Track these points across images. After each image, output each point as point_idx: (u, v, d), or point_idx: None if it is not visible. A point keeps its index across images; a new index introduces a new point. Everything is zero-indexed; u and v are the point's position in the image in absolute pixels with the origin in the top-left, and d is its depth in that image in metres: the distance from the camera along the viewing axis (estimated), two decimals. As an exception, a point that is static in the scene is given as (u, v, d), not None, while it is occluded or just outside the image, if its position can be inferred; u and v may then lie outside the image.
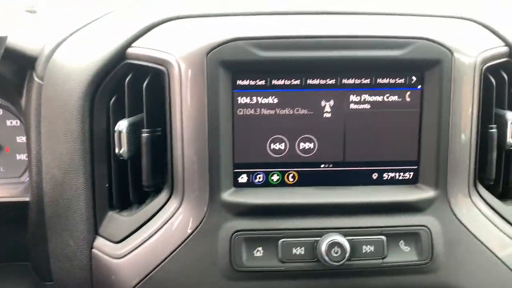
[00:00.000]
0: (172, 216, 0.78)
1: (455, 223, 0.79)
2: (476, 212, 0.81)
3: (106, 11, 0.88)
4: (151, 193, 0.84)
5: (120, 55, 0.78)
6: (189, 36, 0.77)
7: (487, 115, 0.82)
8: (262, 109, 0.78)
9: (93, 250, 0.81)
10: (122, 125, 0.78)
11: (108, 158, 0.82)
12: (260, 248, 0.77)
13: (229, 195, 0.77)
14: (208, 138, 0.74)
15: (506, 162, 0.85)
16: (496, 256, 0.81)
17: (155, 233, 0.78)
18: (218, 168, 0.76)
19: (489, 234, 0.81)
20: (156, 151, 0.79)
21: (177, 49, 0.76)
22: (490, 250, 0.80)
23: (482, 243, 0.80)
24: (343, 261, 0.75)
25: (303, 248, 0.76)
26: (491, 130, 0.79)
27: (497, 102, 0.82)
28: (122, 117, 0.80)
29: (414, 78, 0.78)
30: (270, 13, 0.79)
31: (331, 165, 0.81)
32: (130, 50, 0.78)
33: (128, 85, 0.79)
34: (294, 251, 0.76)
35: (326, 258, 0.75)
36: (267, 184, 0.81)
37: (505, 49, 0.82)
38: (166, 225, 0.78)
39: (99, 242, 0.81)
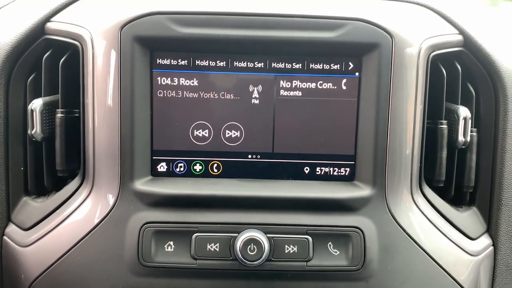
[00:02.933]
0: (81, 204, 0.72)
1: (392, 226, 0.72)
2: (418, 216, 0.73)
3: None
4: (69, 180, 0.78)
5: (39, 30, 0.74)
6: (104, 10, 0.72)
7: (437, 109, 0.75)
8: (185, 92, 0.72)
9: (4, 237, 0.76)
10: (36, 104, 0.73)
11: (25, 140, 0.76)
12: (171, 243, 0.70)
13: (142, 184, 0.72)
14: (121, 121, 0.69)
15: (460, 163, 0.77)
16: (440, 266, 0.72)
17: (63, 221, 0.73)
18: (131, 155, 0.70)
19: (432, 241, 0.73)
20: (73, 134, 0.74)
21: (92, 23, 0.71)
22: (433, 259, 0.72)
23: (423, 250, 0.72)
24: (260, 261, 0.68)
25: (218, 244, 0.70)
26: (440, 126, 0.74)
27: (449, 96, 0.76)
28: (41, 96, 0.75)
29: (351, 64, 0.72)
30: None
31: (258, 156, 0.75)
32: (49, 25, 0.74)
33: (46, 62, 0.74)
34: (208, 247, 0.70)
35: (241, 257, 0.68)
36: (189, 174, 0.75)
37: (458, 37, 0.74)
38: (74, 213, 0.72)
39: (11, 229, 0.76)
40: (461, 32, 0.74)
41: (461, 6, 0.78)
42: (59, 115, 0.73)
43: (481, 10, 0.82)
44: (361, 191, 0.72)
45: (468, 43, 0.74)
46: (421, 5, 0.75)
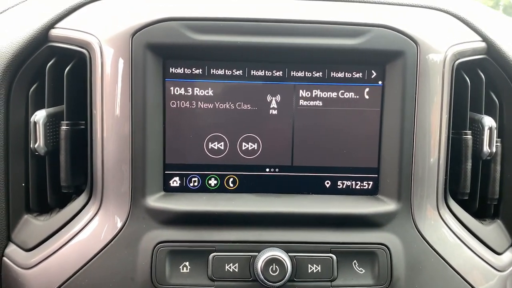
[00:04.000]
0: (88, 222, 0.68)
1: (419, 242, 0.68)
2: (445, 230, 0.70)
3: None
4: (74, 196, 0.73)
5: (42, 37, 0.70)
6: (114, 16, 0.69)
7: (461, 119, 0.72)
8: (199, 102, 0.69)
9: (4, 258, 0.71)
10: (39, 116, 0.69)
11: (27, 154, 0.72)
12: (187, 263, 0.66)
13: (155, 200, 0.68)
14: (132, 133, 0.65)
15: (484, 174, 0.74)
16: (467, 283, 0.69)
17: (68, 241, 0.68)
18: (143, 169, 0.66)
19: (460, 257, 0.70)
20: (78, 147, 0.70)
21: (101, 30, 0.67)
22: (460, 275, 0.69)
23: (451, 266, 0.69)
24: (282, 282, 0.64)
25: (237, 264, 0.65)
26: (465, 137, 0.71)
27: (473, 105, 0.73)
28: (43, 107, 0.70)
29: (373, 72, 0.69)
30: None
31: (277, 170, 0.71)
32: (53, 32, 0.70)
33: (50, 71, 0.70)
34: (227, 267, 0.66)
35: (262, 277, 0.64)
36: (203, 189, 0.71)
37: (482, 44, 0.72)
38: (81, 232, 0.68)
39: (11, 249, 0.71)
40: (485, 39, 0.72)
41: (483, 12, 0.76)
42: (64, 127, 0.69)
43: (502, 17, 0.80)
44: (385, 205, 0.69)
45: (492, 51, 0.72)
46: (444, 11, 0.73)
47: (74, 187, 0.72)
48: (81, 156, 0.70)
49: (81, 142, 0.70)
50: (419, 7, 0.73)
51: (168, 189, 0.70)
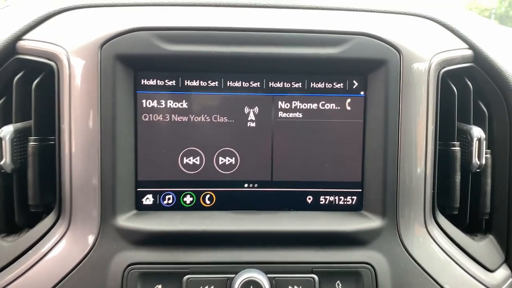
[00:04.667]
0: (56, 243, 0.64)
1: (406, 260, 0.65)
2: (434, 247, 0.67)
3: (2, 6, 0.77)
4: (44, 215, 0.70)
5: (10, 49, 0.67)
6: (83, 26, 0.66)
7: (448, 130, 0.70)
8: (173, 115, 0.66)
9: (-32, 283, 0.67)
10: (6, 131, 0.65)
11: None
12: (159, 286, 0.63)
13: (126, 220, 0.64)
14: (101, 149, 0.63)
15: (474, 188, 0.71)
16: None
17: (36, 263, 0.64)
18: (113, 187, 0.63)
19: (449, 275, 0.66)
20: (47, 164, 0.66)
21: (69, 41, 0.65)
22: None
23: (440, 285, 0.66)
24: (261, 306, 0.60)
25: (212, 287, 0.61)
26: (453, 148, 0.68)
27: (461, 115, 0.70)
28: (11, 123, 0.67)
29: (355, 82, 0.67)
30: (181, 4, 0.68)
31: (256, 185, 0.68)
32: (20, 43, 0.67)
33: (17, 84, 0.67)
34: None
35: (239, 301, 0.60)
36: (178, 206, 0.68)
37: (468, 52, 0.69)
38: (49, 254, 0.64)
39: (-24, 273, 0.67)
40: (471, 46, 0.69)
41: (468, 19, 0.74)
42: (32, 143, 0.66)
43: (489, 24, 0.77)
44: (370, 222, 0.66)
45: (479, 59, 0.69)
46: (428, 18, 0.70)
47: (44, 206, 0.68)
48: (50, 173, 0.67)
49: (50, 158, 0.66)
50: (402, 14, 0.70)
51: (140, 207, 0.67)
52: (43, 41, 0.66)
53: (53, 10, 0.68)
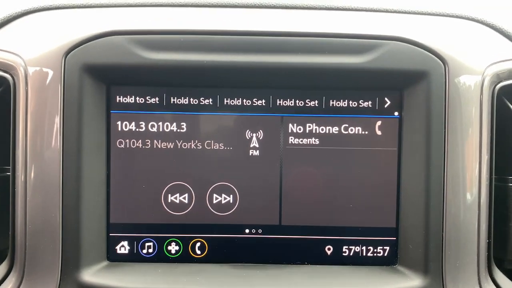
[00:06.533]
0: None
1: (457, 333, 0.56)
2: (492, 316, 0.57)
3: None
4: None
5: None
6: (44, 32, 0.57)
7: (507, 161, 0.60)
8: (155, 141, 0.58)
9: None
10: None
11: None
12: None
13: (94, 274, 0.55)
14: (63, 183, 0.54)
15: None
16: None
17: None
18: (77, 231, 0.55)
19: None
20: (2, 200, 0.57)
21: (27, 49, 0.56)
22: None
23: None
24: None
25: None
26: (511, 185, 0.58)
27: None
28: None
29: (387, 100, 0.58)
30: (164, 5, 0.58)
31: (260, 231, 0.58)
32: None
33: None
34: None
35: None
36: (161, 257, 0.59)
37: None
38: (-5, 316, 0.54)
39: None
40: None
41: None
42: (-20, 175, 0.57)
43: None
44: (408, 281, 0.56)
45: None
46: (478, 21, 0.61)
47: None
48: (5, 212, 0.58)
49: (6, 193, 0.57)
50: (445, 16, 0.60)
51: (113, 257, 0.58)
52: None
53: (14, 13, 0.60)
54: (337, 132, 0.57)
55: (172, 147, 0.57)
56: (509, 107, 0.59)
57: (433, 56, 0.55)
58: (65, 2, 0.60)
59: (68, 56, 0.53)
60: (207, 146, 0.57)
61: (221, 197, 0.58)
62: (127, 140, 0.57)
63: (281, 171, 0.57)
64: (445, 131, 0.55)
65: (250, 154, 0.58)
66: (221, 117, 0.57)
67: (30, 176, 0.54)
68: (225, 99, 0.57)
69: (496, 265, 0.61)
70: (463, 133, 0.56)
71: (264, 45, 0.55)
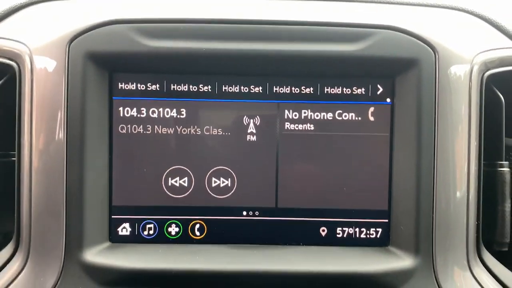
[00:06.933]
0: (13, 280, 0.56)
1: (445, 310, 0.56)
2: (479, 293, 0.57)
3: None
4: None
5: None
6: (49, 21, 0.58)
7: (495, 147, 0.61)
8: (156, 127, 0.59)
9: None
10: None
11: None
12: None
13: (96, 254, 0.56)
14: (67, 167, 0.55)
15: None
16: None
17: (-15, 305, 0.55)
18: (80, 213, 0.55)
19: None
20: (8, 184, 0.58)
21: (32, 37, 0.57)
22: None
23: None
24: None
25: None
26: (501, 170, 0.60)
27: (509, 129, 0.61)
28: None
29: (380, 87, 0.59)
30: None
31: (257, 213, 0.59)
32: None
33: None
34: None
35: None
36: (161, 238, 0.59)
37: None
38: (2, 293, 0.56)
39: None
40: None
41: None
42: (-12, 159, 0.58)
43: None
44: (400, 261, 0.57)
45: None
46: (468, 12, 0.62)
47: (3, 235, 0.61)
48: (11, 195, 0.59)
49: (11, 177, 0.58)
50: (436, 7, 0.61)
51: (115, 238, 0.59)
52: (3, 38, 0.57)
53: (19, 3, 0.61)
54: (331, 118, 0.58)
55: (172, 132, 0.58)
56: (497, 94, 0.60)
57: (424, 45, 0.56)
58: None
59: (72, 44, 0.54)
60: (206, 131, 0.58)
61: (219, 180, 0.59)
62: (129, 126, 0.58)
63: (278, 156, 0.58)
64: (435, 117, 0.56)
65: (248, 140, 0.58)
66: (220, 103, 0.58)
67: (35, 160, 0.55)
68: (223, 86, 0.58)
69: (485, 247, 0.60)
70: (453, 118, 0.57)
71: (261, 33, 0.56)
